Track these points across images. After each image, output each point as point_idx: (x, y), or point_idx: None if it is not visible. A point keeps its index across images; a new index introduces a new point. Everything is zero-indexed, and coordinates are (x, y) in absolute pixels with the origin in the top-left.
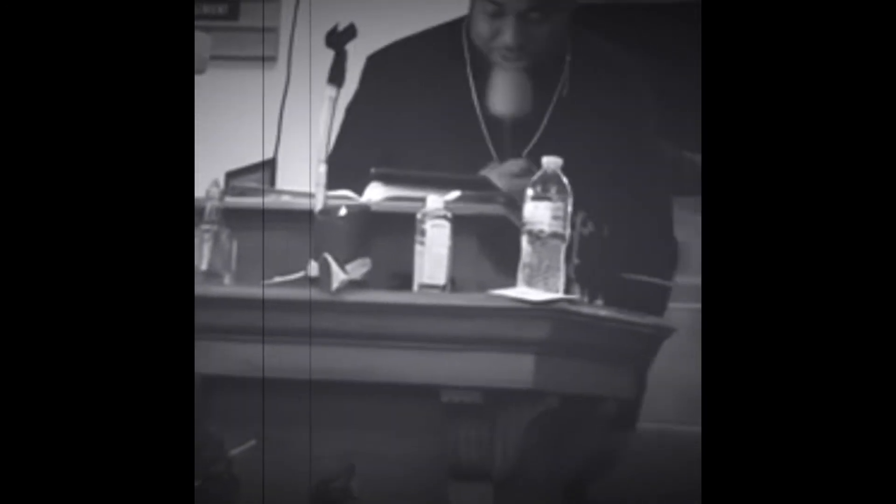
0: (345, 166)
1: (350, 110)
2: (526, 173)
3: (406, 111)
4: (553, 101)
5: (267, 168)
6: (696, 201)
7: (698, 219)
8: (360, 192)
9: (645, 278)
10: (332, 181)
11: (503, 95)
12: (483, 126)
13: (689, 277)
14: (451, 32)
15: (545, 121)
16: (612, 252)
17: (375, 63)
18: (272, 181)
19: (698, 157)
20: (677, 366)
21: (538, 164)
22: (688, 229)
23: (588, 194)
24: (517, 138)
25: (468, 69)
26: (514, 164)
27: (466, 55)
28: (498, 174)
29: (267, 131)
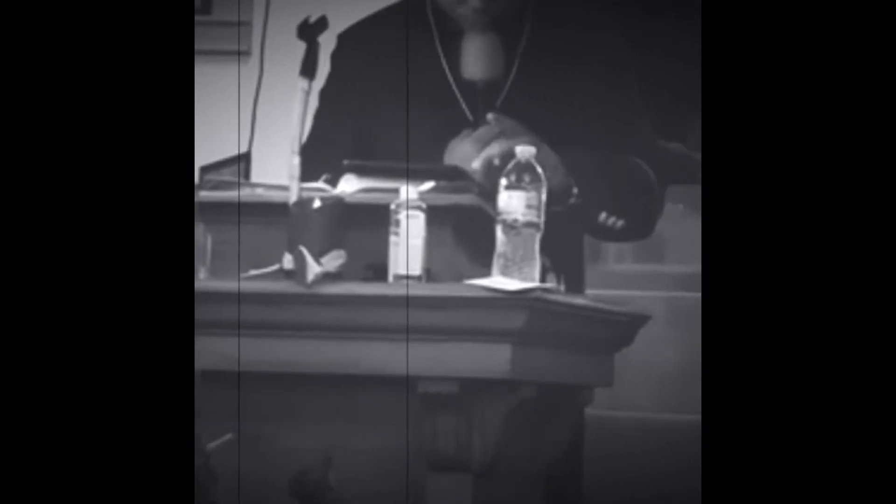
0: (322, 150)
1: (323, 93)
2: (498, 137)
3: (378, 86)
4: (517, 55)
5: (241, 162)
6: (672, 191)
7: (677, 207)
8: (338, 177)
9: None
10: (311, 167)
11: (475, 59)
12: (456, 91)
13: (665, 265)
14: (415, 2)
15: (511, 77)
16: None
17: (344, 42)
18: (247, 175)
19: (673, 146)
20: (653, 353)
21: (510, 125)
22: (665, 218)
23: (559, 147)
24: (489, 100)
25: (435, 36)
26: (486, 130)
27: (432, 22)
28: (472, 140)
29: (241, 125)
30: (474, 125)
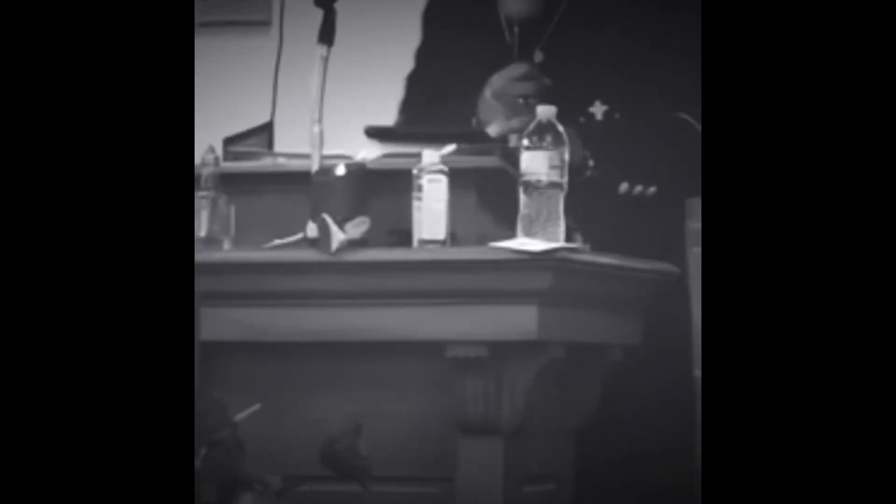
0: (422, 116)
1: (417, 54)
2: (527, 77)
3: (454, 42)
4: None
5: (264, 132)
6: None
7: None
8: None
9: None
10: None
11: None
12: (506, 30)
13: (695, 222)
14: None
15: (557, 16)
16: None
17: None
18: (270, 145)
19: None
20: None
21: (548, 63)
22: None
23: (604, 84)
24: (527, 40)
25: None
26: (515, 68)
27: None
28: (499, 77)
29: (263, 95)
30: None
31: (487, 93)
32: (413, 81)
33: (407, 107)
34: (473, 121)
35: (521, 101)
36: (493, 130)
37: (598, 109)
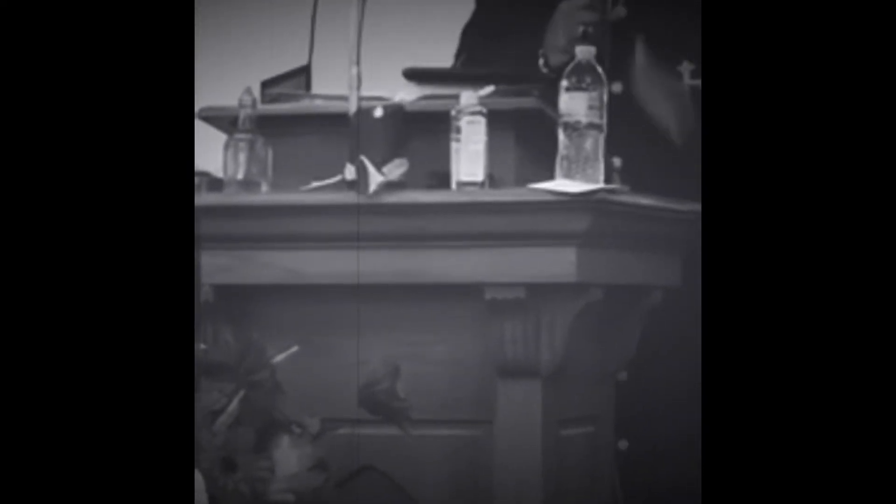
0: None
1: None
2: (590, 6)
3: None
4: None
5: (302, 74)
6: None
7: None
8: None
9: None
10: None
11: None
12: None
13: None
14: None
15: None
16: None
17: None
18: (307, 87)
19: None
20: None
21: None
22: None
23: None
24: None
25: None
26: None
27: None
28: (567, 4)
29: (301, 37)
30: None
31: (555, 17)
32: (471, 29)
33: (464, 52)
34: (540, 52)
35: (580, 29)
36: (553, 61)
37: (685, 69)
